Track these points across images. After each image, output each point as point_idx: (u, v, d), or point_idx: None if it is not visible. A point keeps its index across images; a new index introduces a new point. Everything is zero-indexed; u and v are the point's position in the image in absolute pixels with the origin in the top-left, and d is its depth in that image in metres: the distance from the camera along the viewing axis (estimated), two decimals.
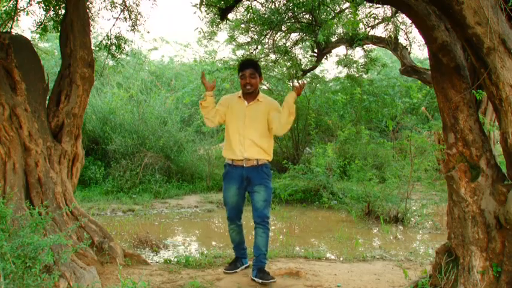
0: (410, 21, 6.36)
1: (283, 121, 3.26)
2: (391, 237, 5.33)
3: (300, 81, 3.37)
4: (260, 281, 3.31)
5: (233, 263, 3.62)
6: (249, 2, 5.99)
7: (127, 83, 12.72)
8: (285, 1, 6.10)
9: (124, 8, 4.81)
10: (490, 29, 2.26)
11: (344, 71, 10.98)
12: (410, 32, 7.65)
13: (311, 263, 4.01)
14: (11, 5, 4.57)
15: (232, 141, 3.39)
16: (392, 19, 7.09)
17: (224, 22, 5.77)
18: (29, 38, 3.94)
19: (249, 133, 3.36)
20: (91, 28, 4.07)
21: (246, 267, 3.64)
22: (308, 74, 10.33)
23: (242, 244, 3.65)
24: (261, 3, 6.23)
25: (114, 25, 4.94)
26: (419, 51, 34.08)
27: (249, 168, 3.37)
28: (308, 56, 9.14)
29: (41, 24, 4.57)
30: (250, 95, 3.44)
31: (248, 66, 3.41)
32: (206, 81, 3.38)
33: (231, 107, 3.45)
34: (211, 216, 6.50)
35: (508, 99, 2.30)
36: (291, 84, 10.38)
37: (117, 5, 4.76)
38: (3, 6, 4.57)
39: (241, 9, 6.30)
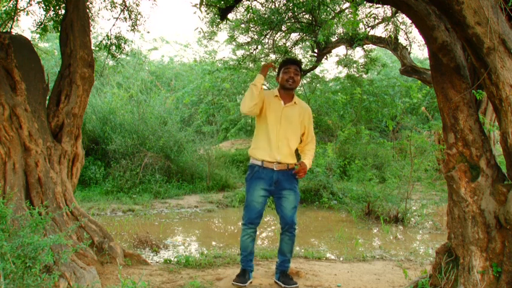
0: (410, 21, 6.37)
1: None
2: (391, 237, 5.33)
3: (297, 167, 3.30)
4: (283, 285, 3.26)
5: (241, 275, 3.33)
6: (249, 2, 5.99)
7: (127, 83, 12.74)
8: (285, 1, 6.10)
9: (124, 8, 4.81)
10: (490, 29, 2.26)
11: (344, 71, 11.02)
12: (410, 32, 7.67)
13: (311, 263, 4.01)
14: (11, 5, 4.58)
15: (267, 140, 3.23)
16: (392, 19, 7.09)
17: (224, 22, 5.77)
18: (29, 38, 3.94)
19: (285, 135, 3.22)
20: (91, 28, 4.08)
21: (250, 282, 3.38)
22: (308, 74, 10.34)
23: (252, 255, 3.38)
24: (261, 3, 6.23)
25: (114, 25, 4.95)
26: (419, 51, 34.12)
27: (279, 172, 3.22)
28: (308, 56, 9.16)
29: (41, 24, 4.58)
30: (288, 94, 3.29)
31: (294, 63, 3.30)
32: (267, 68, 3.24)
33: (269, 104, 3.26)
34: (211, 216, 6.50)
35: (508, 99, 2.30)
36: None
37: (117, 5, 4.76)
38: (3, 6, 4.57)
39: (241, 9, 6.31)
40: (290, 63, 3.29)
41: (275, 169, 3.21)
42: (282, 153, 3.21)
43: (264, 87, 11.12)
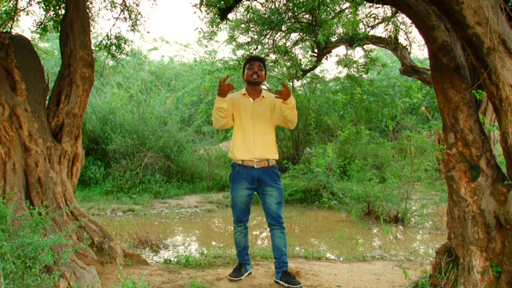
0: (410, 21, 6.37)
1: (291, 117, 3.23)
2: (391, 237, 5.33)
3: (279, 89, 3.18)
4: (286, 285, 3.26)
5: (237, 269, 3.47)
6: (249, 2, 6.00)
7: (127, 83, 12.73)
8: (285, 1, 6.11)
9: (124, 8, 4.81)
10: (490, 29, 2.26)
11: (344, 71, 11.01)
12: (411, 32, 7.67)
13: (311, 263, 4.01)
14: (11, 5, 4.58)
15: (242, 140, 3.32)
16: (392, 19, 7.09)
17: (224, 22, 5.77)
18: (29, 38, 3.94)
19: (260, 130, 3.29)
20: (91, 28, 4.07)
21: (249, 274, 3.53)
22: (308, 74, 10.34)
23: (247, 249, 3.54)
24: (261, 3, 6.23)
25: (114, 25, 4.95)
26: (419, 51, 34.11)
27: (260, 169, 3.29)
28: (308, 56, 9.16)
29: (41, 24, 4.58)
30: (255, 90, 3.37)
31: (257, 59, 3.41)
32: (225, 85, 3.15)
33: (237, 106, 3.35)
34: (211, 216, 6.50)
35: (508, 99, 2.30)
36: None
37: (117, 5, 4.76)
38: (3, 6, 4.57)
39: (241, 9, 6.31)
40: (253, 59, 3.41)
41: (255, 167, 3.29)
42: (260, 149, 3.28)
43: (264, 87, 11.14)
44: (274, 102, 3.33)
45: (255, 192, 3.43)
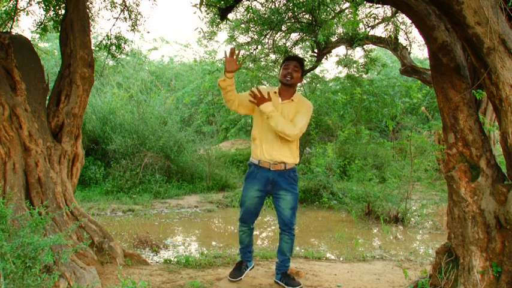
0: (410, 21, 6.37)
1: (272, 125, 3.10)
2: (391, 237, 5.33)
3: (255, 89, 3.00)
4: (286, 286, 3.25)
5: (237, 268, 3.43)
6: (249, 2, 6.00)
7: (127, 83, 12.73)
8: (285, 1, 6.11)
9: (124, 8, 4.81)
10: (490, 29, 2.26)
11: (344, 71, 11.01)
12: (411, 32, 7.67)
13: (311, 263, 4.01)
14: (11, 5, 4.58)
15: (263, 138, 3.20)
16: (392, 19, 7.09)
17: (224, 22, 5.77)
18: (29, 38, 3.94)
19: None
20: (91, 28, 4.07)
21: (250, 269, 3.51)
22: (308, 74, 10.34)
23: (250, 247, 3.50)
24: (261, 3, 6.23)
25: (114, 25, 4.95)
26: (419, 51, 34.11)
27: (276, 172, 3.19)
28: (308, 56, 9.15)
29: (41, 24, 4.58)
30: (287, 91, 3.23)
31: (294, 59, 3.25)
32: (232, 59, 3.04)
33: None
34: (211, 216, 6.50)
35: (508, 99, 2.30)
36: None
37: (117, 5, 4.76)
38: (3, 6, 4.57)
39: (241, 9, 6.31)
40: (290, 59, 3.25)
41: (271, 169, 3.19)
42: (278, 151, 3.17)
43: (263, 86, 11.13)
44: (297, 108, 3.20)
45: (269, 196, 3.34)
